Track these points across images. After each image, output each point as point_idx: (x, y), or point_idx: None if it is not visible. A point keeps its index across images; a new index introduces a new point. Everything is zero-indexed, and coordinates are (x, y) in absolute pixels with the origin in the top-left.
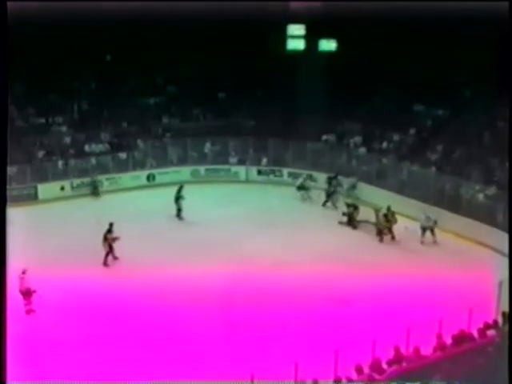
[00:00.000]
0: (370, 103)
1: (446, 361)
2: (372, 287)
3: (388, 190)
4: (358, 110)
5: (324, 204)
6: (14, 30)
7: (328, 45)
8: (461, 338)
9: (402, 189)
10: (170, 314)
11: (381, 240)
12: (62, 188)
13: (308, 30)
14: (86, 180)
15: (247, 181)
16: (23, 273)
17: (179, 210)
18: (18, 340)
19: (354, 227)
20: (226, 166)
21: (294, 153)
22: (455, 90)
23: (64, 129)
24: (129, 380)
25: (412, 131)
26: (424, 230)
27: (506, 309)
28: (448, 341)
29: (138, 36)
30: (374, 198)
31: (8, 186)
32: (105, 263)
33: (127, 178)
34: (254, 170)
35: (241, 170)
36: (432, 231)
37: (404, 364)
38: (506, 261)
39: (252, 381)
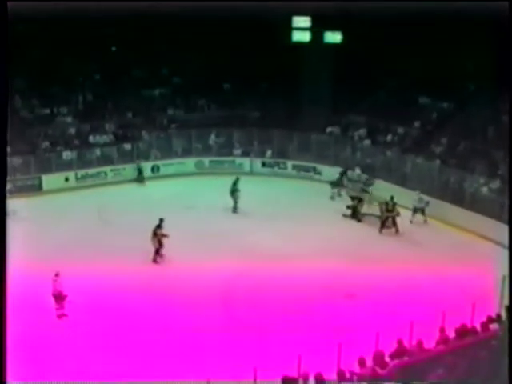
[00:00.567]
0: (374, 96)
1: (449, 354)
2: (376, 281)
3: (392, 182)
4: (362, 102)
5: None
6: (19, 22)
7: (333, 37)
8: (464, 332)
9: (405, 181)
10: (172, 307)
11: (380, 231)
12: (67, 179)
13: (313, 21)
14: (91, 171)
15: (251, 173)
16: (56, 275)
17: (236, 203)
18: (18, 340)
19: (359, 220)
20: (230, 158)
21: (299, 145)
22: (460, 84)
23: (69, 120)
24: (130, 379)
25: (416, 124)
26: (415, 210)
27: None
28: (451, 334)
29: (142, 27)
30: (378, 190)
31: (12, 177)
32: (154, 260)
33: (131, 169)
34: (258, 162)
35: (245, 162)
36: (423, 212)
37: (407, 357)
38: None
39: (255, 374)
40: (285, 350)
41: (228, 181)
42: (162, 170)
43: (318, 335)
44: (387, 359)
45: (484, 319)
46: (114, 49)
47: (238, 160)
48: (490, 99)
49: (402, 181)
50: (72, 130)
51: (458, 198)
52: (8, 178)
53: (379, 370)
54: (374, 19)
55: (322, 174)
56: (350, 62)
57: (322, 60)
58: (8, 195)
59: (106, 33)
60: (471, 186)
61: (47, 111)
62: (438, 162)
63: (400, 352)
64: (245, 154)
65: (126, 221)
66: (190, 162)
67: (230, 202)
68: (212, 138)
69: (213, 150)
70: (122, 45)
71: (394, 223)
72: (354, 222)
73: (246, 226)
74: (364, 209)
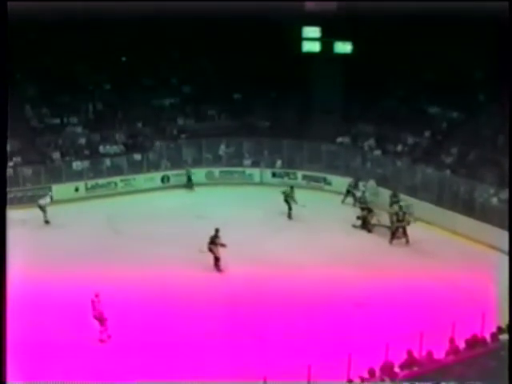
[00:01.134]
0: (384, 105)
1: (459, 365)
2: (386, 290)
3: (402, 193)
4: (372, 112)
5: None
6: (29, 31)
7: (343, 47)
8: (473, 342)
9: (416, 192)
10: (183, 315)
11: (390, 242)
12: (77, 189)
13: (323, 32)
14: (101, 181)
15: (261, 183)
16: (96, 296)
17: (290, 209)
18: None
19: (369, 231)
20: (240, 169)
21: (309, 155)
22: (470, 93)
23: (79, 129)
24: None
25: (427, 134)
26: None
27: None
28: (461, 345)
29: (153, 37)
30: (389, 201)
31: (23, 187)
32: (218, 269)
33: (141, 179)
34: (268, 173)
35: (255, 173)
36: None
37: (416, 368)
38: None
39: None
40: (294, 359)
41: (239, 191)
42: (172, 181)
43: (327, 344)
44: (397, 370)
45: (494, 330)
46: (124, 58)
47: (248, 170)
48: (499, 108)
49: (412, 191)
50: (82, 140)
51: (468, 208)
52: (18, 188)
53: (389, 381)
54: (383, 28)
55: (332, 184)
56: (360, 72)
57: (332, 70)
58: (18, 205)
59: (117, 42)
60: (481, 196)
61: (57, 121)
62: (447, 171)
63: (410, 362)
64: (255, 164)
65: (136, 231)
66: (200, 173)
67: (241, 212)
68: (222, 149)
69: (223, 160)
70: (132, 54)
71: (405, 233)
72: (364, 233)
73: (256, 236)
74: (374, 219)
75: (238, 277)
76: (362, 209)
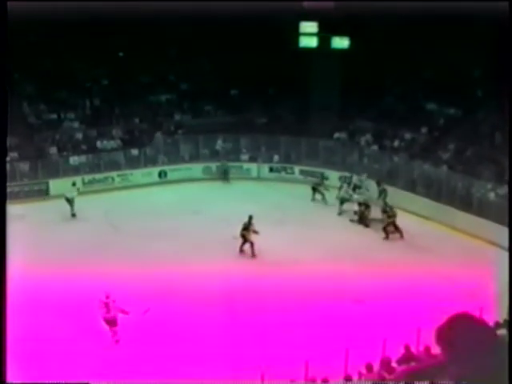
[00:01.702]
0: (382, 101)
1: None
2: (383, 286)
3: (399, 188)
4: (370, 108)
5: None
6: (26, 28)
7: (341, 42)
8: None
9: (413, 187)
10: (179, 311)
11: (386, 237)
12: (74, 184)
13: (320, 27)
14: (98, 176)
15: (259, 178)
16: (107, 298)
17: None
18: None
19: (366, 225)
20: (237, 163)
21: (306, 150)
22: (467, 89)
23: (76, 125)
24: (131, 379)
25: (424, 130)
26: (342, 201)
27: None
28: None
29: (150, 33)
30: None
31: (20, 182)
32: (253, 254)
33: (139, 174)
34: (265, 167)
35: (252, 168)
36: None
37: (414, 363)
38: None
39: (262, 380)
40: (292, 355)
41: (236, 186)
42: (170, 176)
43: (325, 340)
44: (394, 365)
45: (491, 325)
46: (121, 54)
47: (246, 165)
48: (497, 105)
49: (410, 187)
50: (79, 135)
51: (466, 203)
52: (15, 183)
53: (386, 376)
54: (381, 24)
55: (330, 179)
56: (357, 68)
57: (330, 65)
58: (16, 200)
59: (113, 38)
60: (478, 192)
61: (54, 116)
62: (445, 167)
63: (407, 357)
64: (252, 159)
65: (134, 226)
66: (197, 168)
67: (238, 206)
68: (219, 144)
69: (220, 155)
70: (129, 50)
71: (396, 228)
72: (361, 228)
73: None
74: (371, 214)
75: (235, 272)
76: (360, 204)
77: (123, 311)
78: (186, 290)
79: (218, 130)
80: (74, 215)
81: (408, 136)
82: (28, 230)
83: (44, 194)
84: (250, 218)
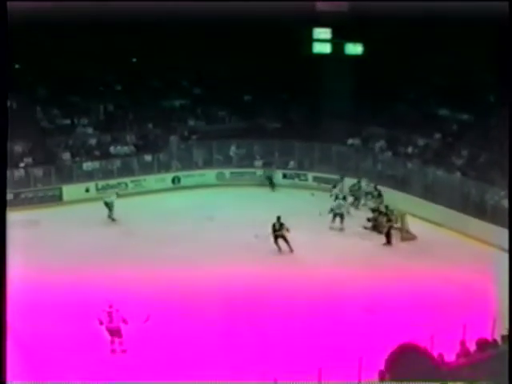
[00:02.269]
0: (395, 107)
1: (470, 367)
2: (396, 293)
3: (413, 194)
4: (383, 114)
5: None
6: (40, 32)
7: (354, 48)
8: (485, 344)
9: (426, 194)
10: (193, 314)
11: (388, 243)
12: (87, 190)
13: (334, 33)
14: (111, 182)
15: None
16: (110, 307)
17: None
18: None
19: (380, 232)
20: (251, 170)
21: (319, 156)
22: (481, 95)
23: (89, 130)
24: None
25: (437, 136)
26: (335, 215)
27: None
28: (472, 347)
29: (163, 38)
30: (399, 202)
31: (33, 188)
32: (291, 249)
33: (152, 180)
34: (279, 174)
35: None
36: (342, 218)
37: None
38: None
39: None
40: (304, 363)
41: (250, 192)
42: (183, 181)
43: (337, 347)
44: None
45: (505, 331)
46: (134, 60)
47: (259, 172)
48: (509, 110)
49: (423, 193)
50: (93, 141)
51: (479, 210)
52: (29, 189)
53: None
54: (393, 31)
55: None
56: (371, 74)
57: (343, 71)
58: (30, 206)
59: (127, 43)
60: (492, 199)
61: (68, 122)
62: (458, 174)
63: None
64: (266, 165)
65: (147, 231)
66: (210, 174)
67: (251, 213)
68: (233, 150)
69: (233, 161)
70: (142, 56)
71: (409, 232)
72: (374, 234)
73: (267, 237)
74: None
75: (247, 278)
76: (373, 211)
77: (125, 321)
78: (200, 294)
79: (231, 135)
80: (113, 219)
81: (421, 142)
82: (42, 235)
83: (57, 199)
84: (278, 218)
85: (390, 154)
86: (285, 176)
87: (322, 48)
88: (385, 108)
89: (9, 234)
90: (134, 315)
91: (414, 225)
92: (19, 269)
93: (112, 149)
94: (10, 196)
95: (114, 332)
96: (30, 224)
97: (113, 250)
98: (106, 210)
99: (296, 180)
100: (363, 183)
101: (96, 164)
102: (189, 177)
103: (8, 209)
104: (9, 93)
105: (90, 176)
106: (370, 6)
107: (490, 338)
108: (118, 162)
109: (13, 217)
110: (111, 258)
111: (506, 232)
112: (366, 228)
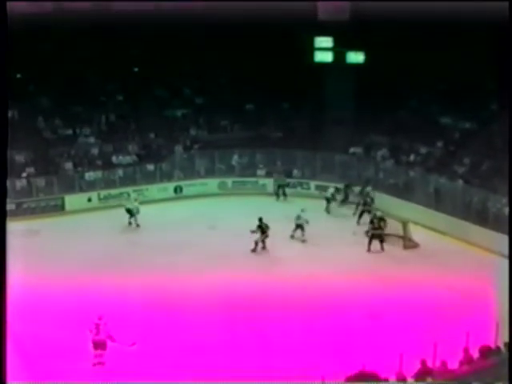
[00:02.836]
0: (397, 116)
1: (473, 374)
2: (399, 300)
3: (415, 202)
4: (385, 122)
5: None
6: (43, 41)
7: (356, 57)
8: (488, 352)
9: (429, 202)
10: (197, 322)
11: (381, 248)
12: (89, 199)
13: (335, 42)
14: (114, 191)
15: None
16: (99, 319)
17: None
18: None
19: (382, 240)
20: (253, 179)
21: (322, 165)
22: (483, 103)
23: (91, 140)
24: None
25: (439, 144)
26: (297, 226)
27: None
28: (475, 354)
29: (165, 47)
30: (402, 210)
31: (35, 197)
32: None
33: (154, 189)
34: (287, 182)
35: (268, 183)
36: (302, 229)
37: (430, 378)
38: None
39: None
40: (308, 369)
41: (252, 201)
42: (185, 191)
43: (340, 354)
44: (410, 380)
45: (508, 339)
46: (136, 69)
47: (261, 181)
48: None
49: (425, 201)
50: (95, 151)
51: (482, 218)
52: (31, 199)
53: None
54: (395, 39)
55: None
56: (372, 82)
57: (345, 80)
58: (32, 216)
59: (129, 53)
60: (494, 206)
61: (70, 132)
62: (460, 182)
63: (423, 372)
64: (268, 174)
65: (149, 241)
66: (213, 183)
67: (254, 222)
68: (235, 159)
69: (236, 170)
70: (144, 65)
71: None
72: (376, 242)
73: (269, 246)
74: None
75: (250, 286)
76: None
77: (110, 337)
78: (202, 302)
79: (233, 144)
80: (138, 225)
81: (423, 150)
82: (44, 245)
83: (60, 209)
84: (260, 219)
85: (392, 162)
86: (287, 185)
87: (324, 57)
88: (386, 116)
89: (11, 243)
90: (134, 322)
91: (416, 233)
92: (20, 277)
93: (114, 158)
94: (12, 206)
95: (99, 345)
96: (32, 234)
97: (115, 260)
98: (107, 220)
99: (298, 189)
100: (368, 188)
101: (98, 174)
102: (191, 186)
103: (10, 219)
104: (11, 103)
105: (92, 186)
106: (371, 15)
107: (493, 345)
108: (120, 172)
109: (15, 227)
110: (113, 267)
111: (507, 239)
112: (367, 234)
